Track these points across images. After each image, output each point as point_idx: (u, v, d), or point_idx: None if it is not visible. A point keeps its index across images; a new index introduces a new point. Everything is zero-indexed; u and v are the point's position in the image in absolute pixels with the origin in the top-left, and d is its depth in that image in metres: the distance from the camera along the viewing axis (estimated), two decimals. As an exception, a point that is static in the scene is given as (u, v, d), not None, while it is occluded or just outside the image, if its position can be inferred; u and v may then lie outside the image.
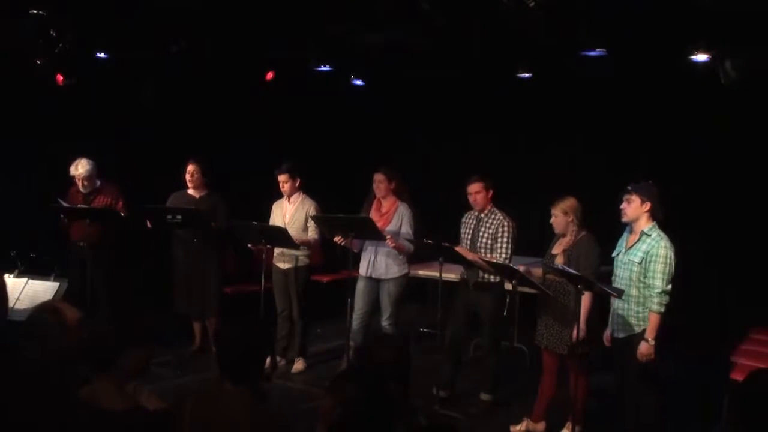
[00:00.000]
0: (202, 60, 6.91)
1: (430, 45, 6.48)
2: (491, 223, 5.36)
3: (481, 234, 5.38)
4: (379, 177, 5.86)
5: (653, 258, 4.28)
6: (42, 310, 2.97)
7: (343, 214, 5.89)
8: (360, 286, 5.94)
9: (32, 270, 4.66)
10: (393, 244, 5.64)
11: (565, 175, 7.31)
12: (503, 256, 5.27)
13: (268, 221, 6.29)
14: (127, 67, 6.94)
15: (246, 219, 6.09)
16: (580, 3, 5.41)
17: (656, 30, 5.55)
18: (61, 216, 6.21)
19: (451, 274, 5.76)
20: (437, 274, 5.46)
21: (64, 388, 2.63)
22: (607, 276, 4.66)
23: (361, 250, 5.95)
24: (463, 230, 5.56)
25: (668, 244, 4.31)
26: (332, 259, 7.21)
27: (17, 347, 2.85)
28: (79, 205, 6.21)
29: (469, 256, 5.29)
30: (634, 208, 4.40)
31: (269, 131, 8.12)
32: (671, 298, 4.30)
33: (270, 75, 7.56)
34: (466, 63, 7.14)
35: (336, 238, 5.86)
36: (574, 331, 4.51)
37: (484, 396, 5.51)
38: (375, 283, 5.90)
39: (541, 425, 5.03)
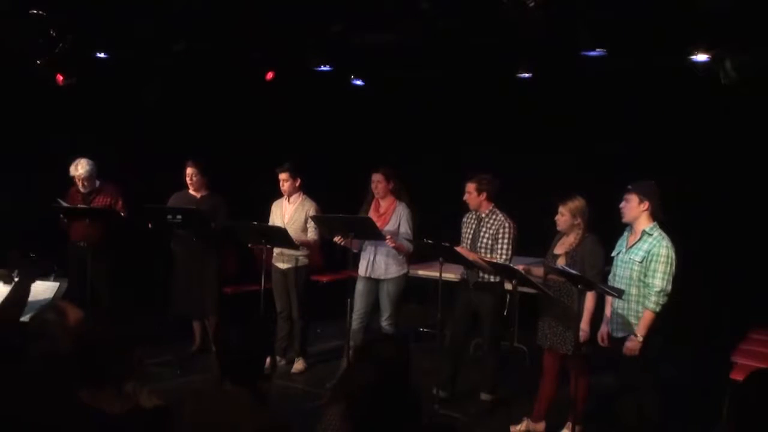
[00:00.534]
0: (202, 60, 6.92)
1: (430, 45, 6.48)
2: (492, 224, 5.37)
3: (482, 234, 5.39)
4: (377, 177, 5.86)
5: (654, 257, 4.29)
6: (46, 310, 2.98)
7: (343, 214, 5.89)
8: (359, 286, 5.93)
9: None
10: (393, 244, 5.64)
11: (565, 175, 7.29)
12: (503, 256, 5.27)
13: (268, 221, 6.29)
14: (127, 67, 6.94)
15: (246, 219, 6.10)
16: (580, 3, 5.41)
17: (656, 30, 5.55)
18: (61, 216, 6.22)
19: (451, 274, 5.77)
20: (437, 274, 5.46)
21: (65, 389, 2.63)
22: (607, 276, 4.66)
23: (360, 250, 5.95)
24: (464, 230, 5.57)
25: (670, 244, 4.31)
26: (332, 259, 7.21)
27: (22, 347, 2.85)
28: (78, 206, 6.21)
29: (470, 256, 5.29)
30: (632, 208, 4.40)
31: (269, 131, 8.12)
32: (671, 299, 4.30)
33: (270, 75, 7.56)
34: (466, 63, 7.13)
35: (336, 238, 5.86)
36: (579, 332, 4.52)
37: (484, 396, 5.52)
38: (374, 283, 5.90)
39: (541, 425, 5.03)
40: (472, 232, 5.48)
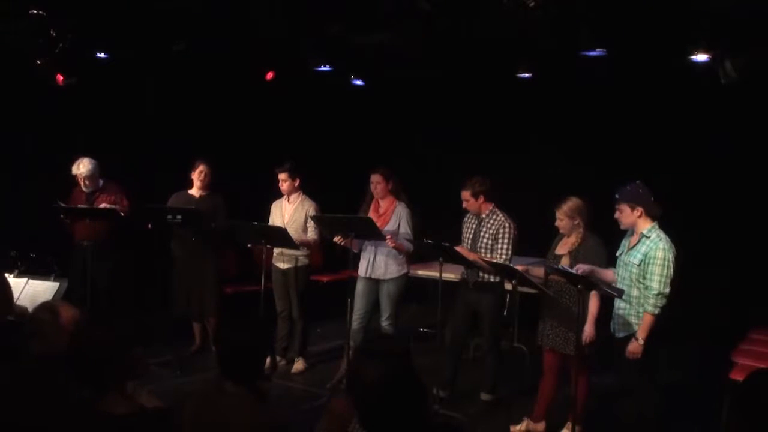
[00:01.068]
0: (202, 60, 6.92)
1: (430, 45, 6.48)
2: (492, 224, 5.37)
3: (482, 234, 5.39)
4: (376, 178, 5.86)
5: (651, 260, 4.29)
6: (40, 310, 2.98)
7: (343, 214, 5.89)
8: (359, 286, 5.93)
9: (32, 270, 4.67)
10: (393, 244, 5.64)
11: (565, 175, 7.30)
12: (503, 256, 5.27)
13: (268, 221, 6.29)
14: (127, 67, 6.94)
15: (246, 219, 6.10)
16: (580, 3, 5.41)
17: (656, 30, 5.55)
18: (62, 216, 6.22)
19: (451, 274, 5.76)
20: (437, 274, 5.46)
21: (61, 389, 2.62)
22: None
23: (360, 251, 5.95)
24: (464, 230, 5.57)
25: (667, 246, 4.30)
26: (332, 259, 7.21)
27: (19, 346, 2.85)
28: (79, 205, 6.21)
29: (470, 256, 5.29)
30: (627, 216, 4.43)
31: (269, 131, 8.12)
32: (669, 300, 4.29)
33: (270, 75, 7.56)
34: (466, 63, 7.13)
35: (336, 238, 5.86)
36: (582, 332, 4.52)
37: (484, 396, 5.52)
38: (374, 283, 5.90)
39: (541, 425, 5.03)
40: (472, 232, 5.48)
